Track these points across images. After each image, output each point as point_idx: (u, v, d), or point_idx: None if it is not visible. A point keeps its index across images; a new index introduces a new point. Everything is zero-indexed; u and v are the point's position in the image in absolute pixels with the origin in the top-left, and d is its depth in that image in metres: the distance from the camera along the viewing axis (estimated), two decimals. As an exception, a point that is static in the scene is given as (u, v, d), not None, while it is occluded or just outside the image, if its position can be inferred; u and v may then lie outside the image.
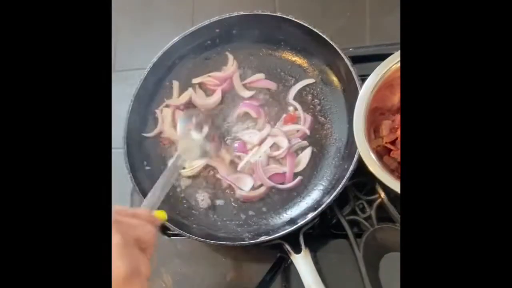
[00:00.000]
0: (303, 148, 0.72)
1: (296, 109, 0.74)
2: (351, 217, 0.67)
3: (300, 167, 0.71)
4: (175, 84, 0.80)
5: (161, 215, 0.55)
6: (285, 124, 0.74)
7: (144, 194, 0.70)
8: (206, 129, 0.72)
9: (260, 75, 0.77)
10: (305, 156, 0.71)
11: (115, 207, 0.46)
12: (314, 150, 0.72)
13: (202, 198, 0.73)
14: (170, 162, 0.65)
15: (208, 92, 0.79)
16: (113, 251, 0.40)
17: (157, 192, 0.58)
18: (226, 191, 0.73)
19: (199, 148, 0.70)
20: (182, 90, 0.80)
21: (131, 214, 0.48)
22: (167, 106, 0.79)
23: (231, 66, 0.78)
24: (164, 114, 0.78)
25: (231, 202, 0.73)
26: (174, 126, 0.77)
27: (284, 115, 0.74)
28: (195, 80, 0.79)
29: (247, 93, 0.77)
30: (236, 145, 0.74)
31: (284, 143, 0.71)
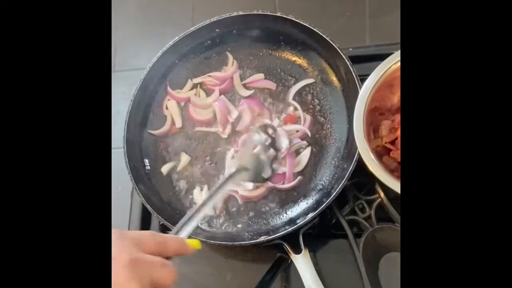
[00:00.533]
0: (302, 148, 0.72)
1: (296, 109, 0.74)
2: (351, 217, 0.67)
3: (300, 167, 0.71)
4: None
5: (195, 244, 0.48)
6: (285, 124, 0.74)
7: (144, 194, 0.70)
8: (272, 153, 0.66)
9: (260, 75, 0.77)
10: (305, 156, 0.71)
11: (140, 236, 0.43)
12: (314, 150, 0.72)
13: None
14: (221, 179, 0.59)
15: (208, 92, 0.79)
16: None
17: (197, 215, 0.50)
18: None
19: (256, 171, 0.64)
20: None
21: (157, 245, 0.43)
22: (169, 99, 0.79)
23: (231, 66, 0.78)
24: (170, 107, 0.78)
25: (231, 202, 0.73)
26: (182, 115, 0.78)
27: (284, 115, 0.74)
28: (195, 80, 0.79)
29: (246, 93, 0.77)
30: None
31: (284, 143, 0.71)
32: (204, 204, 0.52)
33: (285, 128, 0.73)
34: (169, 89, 0.79)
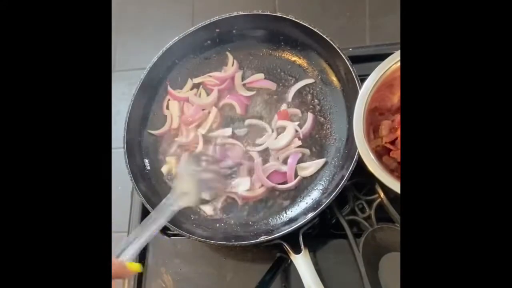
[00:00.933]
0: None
1: (289, 105, 0.74)
2: (351, 217, 0.67)
3: (307, 173, 0.71)
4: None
5: (135, 268, 0.49)
6: (279, 120, 0.74)
7: (144, 194, 0.70)
8: (209, 174, 0.66)
9: (260, 75, 0.77)
10: (315, 164, 0.71)
11: None
12: (314, 150, 0.72)
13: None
14: (161, 203, 0.58)
15: (209, 92, 0.79)
16: None
17: (140, 239, 0.51)
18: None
19: (198, 193, 0.63)
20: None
21: None
22: (170, 99, 0.79)
23: (231, 66, 0.78)
24: (170, 107, 0.78)
25: (231, 203, 0.73)
26: (182, 115, 0.77)
27: (278, 111, 0.74)
28: (195, 80, 0.79)
29: (247, 93, 0.77)
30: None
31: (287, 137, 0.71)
32: (144, 228, 0.53)
33: (278, 123, 0.73)
34: (169, 88, 0.79)
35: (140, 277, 0.77)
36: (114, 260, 0.48)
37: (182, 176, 0.65)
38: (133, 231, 0.53)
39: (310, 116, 0.73)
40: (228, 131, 0.75)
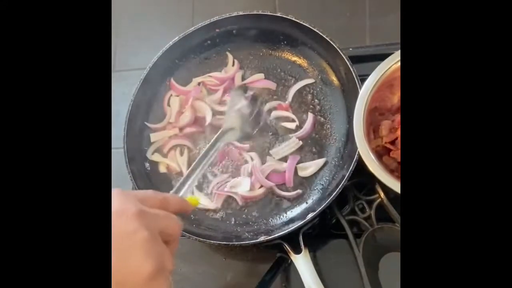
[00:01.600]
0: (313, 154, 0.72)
1: (290, 104, 0.75)
2: (351, 217, 0.67)
3: (307, 173, 0.71)
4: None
5: (194, 201, 0.52)
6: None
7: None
8: (256, 108, 0.70)
9: (260, 75, 0.77)
10: (315, 164, 0.71)
11: (143, 193, 0.44)
12: (314, 150, 0.72)
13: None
14: (211, 140, 0.62)
15: (209, 92, 0.79)
16: (140, 247, 0.39)
17: (192, 174, 0.55)
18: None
19: (243, 128, 0.68)
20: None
21: (160, 202, 0.45)
22: (172, 95, 0.79)
23: (231, 66, 0.78)
24: (171, 102, 0.78)
25: (231, 203, 0.73)
26: (181, 113, 0.77)
27: (276, 105, 0.75)
28: (196, 80, 0.79)
29: (247, 93, 0.77)
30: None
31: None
32: (198, 164, 0.56)
33: (276, 114, 0.73)
34: (172, 81, 0.79)
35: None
36: (175, 195, 0.51)
37: (229, 112, 0.69)
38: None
39: (310, 116, 0.73)
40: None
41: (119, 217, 0.40)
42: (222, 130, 0.63)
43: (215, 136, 0.62)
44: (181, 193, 0.53)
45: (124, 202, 0.41)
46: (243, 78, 0.78)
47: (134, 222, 0.40)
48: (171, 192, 0.52)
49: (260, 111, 0.72)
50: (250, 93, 0.71)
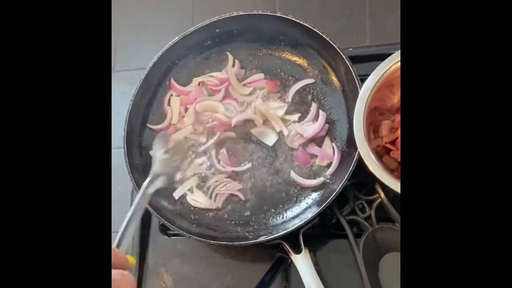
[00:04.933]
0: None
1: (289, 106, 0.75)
2: (351, 217, 0.67)
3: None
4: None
5: (132, 260, 0.50)
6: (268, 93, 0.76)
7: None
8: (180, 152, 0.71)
9: (260, 75, 0.77)
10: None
11: None
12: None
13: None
14: (141, 189, 0.60)
15: (210, 92, 0.79)
16: None
17: (131, 225, 0.53)
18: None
19: (169, 174, 0.66)
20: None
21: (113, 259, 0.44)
22: (172, 95, 0.79)
23: (231, 67, 0.78)
24: (172, 102, 0.78)
25: (231, 202, 0.73)
26: (182, 113, 0.78)
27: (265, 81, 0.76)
28: (196, 80, 0.79)
29: (246, 91, 0.77)
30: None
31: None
32: (133, 216, 0.54)
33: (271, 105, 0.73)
34: (172, 81, 0.79)
35: (140, 277, 0.77)
36: (118, 251, 0.49)
37: (154, 159, 0.67)
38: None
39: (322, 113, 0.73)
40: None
41: None
42: (150, 179, 0.62)
43: (143, 184, 0.61)
44: (124, 247, 0.51)
45: None
46: (243, 78, 0.78)
47: None
48: (114, 245, 0.50)
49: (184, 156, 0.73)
50: (173, 138, 0.72)
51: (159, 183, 0.63)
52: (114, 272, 0.43)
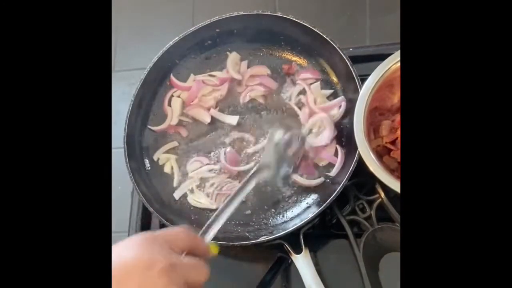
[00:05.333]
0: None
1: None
2: (351, 217, 0.67)
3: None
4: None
5: (214, 249, 0.49)
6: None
7: (144, 194, 0.70)
8: (294, 148, 0.65)
9: (265, 69, 0.77)
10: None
11: (174, 234, 0.44)
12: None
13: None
14: (246, 178, 0.57)
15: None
16: None
17: (222, 216, 0.51)
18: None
19: (278, 167, 0.63)
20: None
21: (190, 246, 0.44)
22: (173, 95, 0.79)
23: (232, 66, 0.78)
24: (173, 103, 0.78)
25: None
26: (182, 114, 0.77)
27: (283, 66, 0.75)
28: (197, 78, 0.79)
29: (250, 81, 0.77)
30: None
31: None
32: (227, 206, 0.52)
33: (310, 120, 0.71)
34: (172, 77, 0.78)
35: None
36: (203, 242, 0.48)
37: (268, 149, 0.64)
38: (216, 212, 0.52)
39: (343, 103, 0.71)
40: (234, 119, 0.75)
41: (148, 271, 0.39)
42: (258, 167, 0.59)
43: (250, 173, 0.58)
44: (209, 235, 0.50)
45: (153, 252, 0.40)
46: (243, 78, 0.78)
47: (163, 279, 0.39)
48: (200, 232, 0.49)
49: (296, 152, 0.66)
50: (290, 133, 0.65)
51: (266, 174, 0.60)
52: (190, 262, 0.43)
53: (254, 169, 0.59)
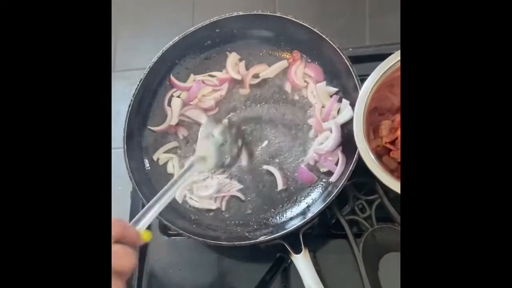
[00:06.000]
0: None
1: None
2: (351, 217, 0.67)
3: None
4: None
5: (146, 236, 0.51)
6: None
7: (144, 195, 0.70)
8: (230, 135, 0.67)
9: (264, 66, 0.77)
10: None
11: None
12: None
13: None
14: (181, 171, 0.60)
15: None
16: None
17: (155, 206, 0.53)
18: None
19: (217, 157, 0.65)
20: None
21: (118, 233, 0.45)
22: (173, 95, 0.79)
23: (232, 66, 0.78)
24: (173, 103, 0.78)
25: (232, 202, 0.73)
26: (182, 115, 0.77)
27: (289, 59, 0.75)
28: (194, 77, 0.79)
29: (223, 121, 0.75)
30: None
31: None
32: (161, 196, 0.54)
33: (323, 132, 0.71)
34: (172, 77, 0.78)
35: (140, 277, 0.77)
36: (132, 228, 0.49)
37: (200, 142, 0.65)
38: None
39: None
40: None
41: None
42: (192, 160, 0.60)
43: (185, 167, 0.60)
44: (141, 224, 0.51)
45: None
46: (243, 77, 0.78)
47: None
48: (132, 221, 0.51)
49: (236, 139, 0.70)
50: (225, 121, 0.69)
51: (200, 167, 0.61)
52: (117, 246, 0.44)
53: (189, 162, 0.60)
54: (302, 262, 0.63)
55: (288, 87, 0.76)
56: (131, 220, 0.51)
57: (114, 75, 0.94)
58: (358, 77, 0.66)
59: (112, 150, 0.73)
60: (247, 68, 0.78)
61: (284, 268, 0.69)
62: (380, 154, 0.61)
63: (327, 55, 0.73)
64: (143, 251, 0.78)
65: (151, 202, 0.54)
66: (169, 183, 0.57)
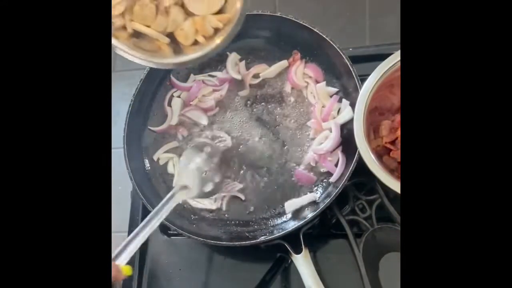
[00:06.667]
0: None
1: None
2: (351, 217, 0.67)
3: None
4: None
5: (127, 271, 0.49)
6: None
7: (144, 194, 0.70)
8: (213, 163, 0.68)
9: (264, 66, 0.77)
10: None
11: None
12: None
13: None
14: (163, 200, 0.59)
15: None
16: None
17: (136, 239, 0.52)
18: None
19: (199, 186, 0.65)
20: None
21: None
22: (173, 95, 0.79)
23: (232, 66, 0.78)
24: (173, 103, 0.78)
25: (232, 202, 0.73)
26: (182, 115, 0.77)
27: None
28: (194, 77, 0.79)
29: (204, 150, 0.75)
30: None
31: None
32: (142, 229, 0.53)
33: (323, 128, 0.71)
34: (172, 77, 0.79)
35: (140, 277, 0.77)
36: (113, 265, 0.48)
37: (182, 170, 0.65)
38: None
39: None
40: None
41: None
42: (174, 190, 0.60)
43: (167, 196, 0.59)
44: (122, 258, 0.50)
45: None
46: (243, 77, 0.78)
47: None
48: (114, 255, 0.49)
49: (218, 167, 0.69)
50: (207, 149, 0.69)
51: (182, 197, 0.60)
52: None
53: (172, 192, 0.60)
54: (302, 262, 0.63)
55: (288, 87, 0.76)
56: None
57: (114, 75, 0.94)
58: (358, 77, 0.66)
59: (112, 150, 0.72)
60: (247, 68, 0.78)
61: (284, 268, 0.69)
62: (380, 154, 0.61)
63: (327, 55, 0.73)
64: (143, 251, 0.78)
65: (131, 235, 0.52)
66: (150, 214, 0.56)
